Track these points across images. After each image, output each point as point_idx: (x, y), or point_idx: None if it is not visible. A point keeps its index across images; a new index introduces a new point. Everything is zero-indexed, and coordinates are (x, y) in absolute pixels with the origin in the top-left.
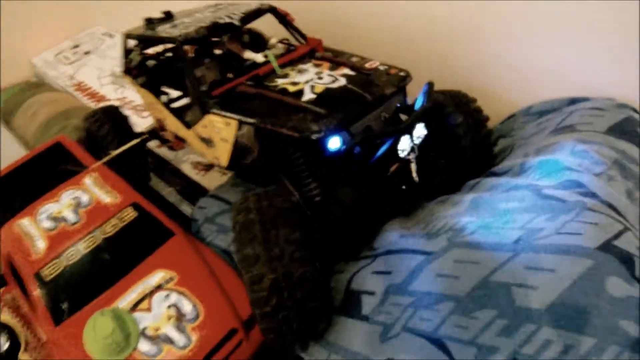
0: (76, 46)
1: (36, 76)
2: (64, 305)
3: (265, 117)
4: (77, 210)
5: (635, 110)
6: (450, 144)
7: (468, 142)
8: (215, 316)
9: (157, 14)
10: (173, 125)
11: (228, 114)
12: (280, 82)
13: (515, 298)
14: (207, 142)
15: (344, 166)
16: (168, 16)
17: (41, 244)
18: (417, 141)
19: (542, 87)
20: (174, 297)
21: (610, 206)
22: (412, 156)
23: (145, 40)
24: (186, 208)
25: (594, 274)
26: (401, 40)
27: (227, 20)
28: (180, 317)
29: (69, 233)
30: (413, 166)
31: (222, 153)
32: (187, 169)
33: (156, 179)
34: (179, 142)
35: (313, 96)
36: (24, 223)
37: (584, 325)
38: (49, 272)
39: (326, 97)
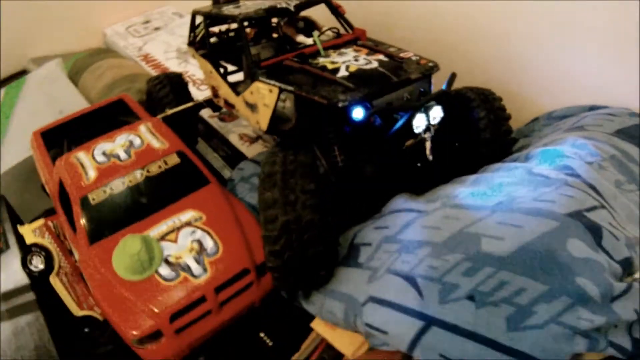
0: (147, 22)
1: (106, 45)
2: (101, 228)
3: (302, 86)
4: (129, 150)
5: None
6: (472, 135)
7: (488, 135)
8: (231, 255)
9: None
10: (225, 92)
11: (272, 82)
12: (321, 60)
13: (483, 246)
14: (252, 107)
15: (365, 135)
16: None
17: (92, 173)
18: (433, 121)
19: (569, 96)
20: (198, 234)
21: (591, 186)
22: (427, 135)
23: (210, 17)
24: (227, 172)
25: (557, 233)
26: (439, 42)
27: (284, 5)
28: (201, 250)
29: (118, 167)
30: (428, 144)
31: (263, 117)
32: (234, 139)
33: (203, 144)
34: (228, 108)
35: (346, 73)
36: (80, 155)
37: (539, 274)
38: (94, 197)
39: (357, 75)
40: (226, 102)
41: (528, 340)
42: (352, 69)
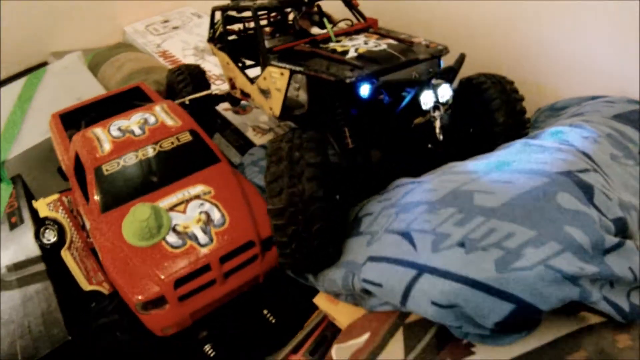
0: (166, 21)
1: (125, 42)
2: (113, 198)
3: (312, 67)
4: (143, 126)
5: None
6: (486, 119)
7: (501, 116)
8: (237, 227)
9: None
10: (241, 82)
11: (282, 65)
12: (332, 45)
13: (475, 200)
14: (265, 93)
15: (374, 115)
16: None
17: (107, 146)
18: (441, 99)
19: (581, 81)
20: (207, 206)
21: (584, 153)
22: (436, 113)
23: (228, 10)
24: (238, 160)
25: (547, 187)
26: (452, 32)
27: None
28: (208, 221)
29: (132, 142)
30: (437, 123)
31: (276, 102)
32: (248, 132)
33: (219, 136)
34: (244, 98)
35: (355, 54)
36: (97, 130)
37: (528, 222)
38: (108, 168)
39: (366, 56)
40: (242, 93)
41: (517, 282)
42: (361, 50)
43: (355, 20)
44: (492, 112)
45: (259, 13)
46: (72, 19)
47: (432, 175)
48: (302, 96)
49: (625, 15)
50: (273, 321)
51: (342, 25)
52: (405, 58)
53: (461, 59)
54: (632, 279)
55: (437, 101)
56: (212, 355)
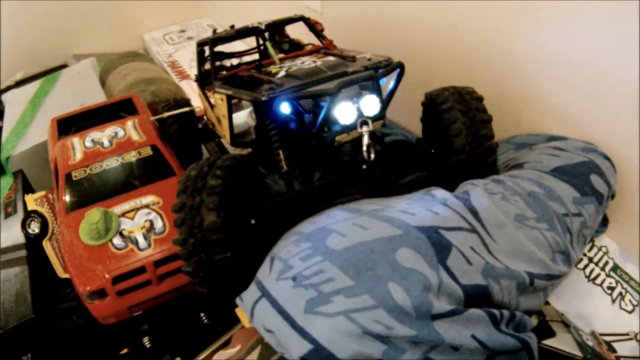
0: (183, 31)
1: (144, 48)
2: (77, 201)
3: (240, 90)
4: (112, 139)
5: (606, 157)
6: (445, 142)
7: (461, 142)
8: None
9: (258, 13)
10: (209, 113)
11: (222, 90)
12: (271, 68)
13: (327, 240)
14: (219, 120)
15: (297, 132)
16: (231, 27)
17: (79, 155)
18: (367, 113)
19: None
20: (152, 215)
21: (472, 210)
22: (364, 129)
23: (202, 45)
24: None
25: (393, 240)
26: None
27: (256, 24)
28: (150, 229)
29: (100, 153)
30: (365, 139)
31: (225, 128)
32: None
33: (203, 148)
34: (214, 129)
35: (284, 74)
36: (74, 140)
37: (353, 270)
38: (76, 175)
39: (292, 74)
40: (213, 125)
41: (317, 325)
42: (292, 69)
43: (319, 44)
44: (451, 137)
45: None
46: (94, 24)
47: (339, 208)
48: (252, 123)
49: (624, 19)
50: (206, 322)
51: (307, 49)
52: (332, 72)
53: (394, 66)
54: (477, 347)
55: (361, 115)
56: (148, 346)
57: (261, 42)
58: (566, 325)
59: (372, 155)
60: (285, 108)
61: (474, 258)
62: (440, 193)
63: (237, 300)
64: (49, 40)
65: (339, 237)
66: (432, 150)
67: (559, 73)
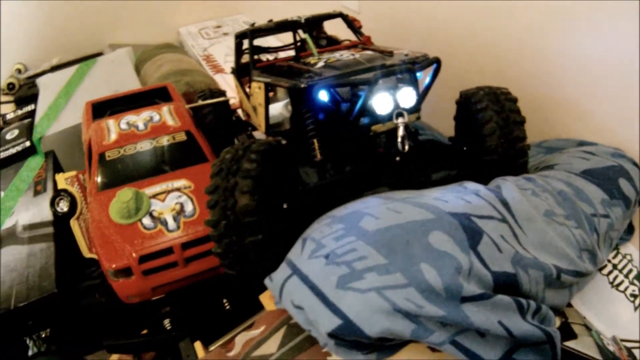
0: (218, 27)
1: (179, 42)
2: (109, 180)
3: (278, 78)
4: (147, 123)
5: (635, 164)
6: (478, 141)
7: (494, 142)
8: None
9: (294, 13)
10: (245, 104)
11: (259, 78)
12: (309, 59)
13: (361, 222)
14: (255, 110)
15: (335, 121)
16: (269, 21)
17: (113, 136)
18: (403, 104)
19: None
20: (183, 198)
21: (503, 202)
22: (399, 120)
23: (241, 37)
24: None
25: (426, 223)
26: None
27: (295, 19)
28: (180, 211)
29: (135, 135)
30: (400, 131)
31: (261, 117)
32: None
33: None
34: (249, 119)
35: (322, 64)
36: (109, 122)
37: (386, 250)
38: (110, 154)
39: (331, 65)
40: (247, 115)
41: (347, 300)
42: (330, 60)
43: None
44: (484, 137)
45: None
46: (132, 15)
47: (372, 196)
48: (287, 115)
49: None
50: (227, 308)
51: (345, 44)
52: (370, 64)
53: (431, 61)
54: (504, 334)
55: (397, 106)
56: (168, 328)
57: (298, 38)
58: (588, 328)
59: (407, 147)
60: (323, 96)
61: (504, 246)
62: (472, 185)
63: (266, 281)
64: (86, 28)
65: (372, 219)
66: (465, 149)
67: (594, 77)
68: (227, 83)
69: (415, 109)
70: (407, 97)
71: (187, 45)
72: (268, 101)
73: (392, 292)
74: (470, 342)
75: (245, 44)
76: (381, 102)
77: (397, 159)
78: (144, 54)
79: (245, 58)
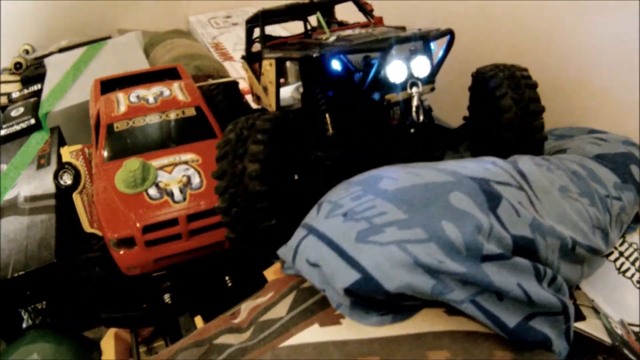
0: (228, 17)
1: (187, 30)
2: (116, 151)
3: (289, 52)
4: (157, 97)
5: None
6: (495, 118)
7: (511, 118)
8: (211, 193)
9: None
10: (255, 87)
11: (270, 54)
12: (321, 36)
13: (380, 183)
14: (265, 90)
15: (348, 93)
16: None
17: (123, 108)
18: (417, 73)
19: None
20: (190, 171)
21: (520, 172)
22: (414, 90)
23: (251, 21)
24: None
25: (446, 185)
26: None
27: (307, 1)
28: (187, 183)
29: (144, 108)
30: (414, 101)
31: (271, 96)
32: None
33: None
34: (259, 103)
35: (334, 38)
36: (119, 95)
37: (406, 206)
38: (119, 126)
39: (343, 38)
40: (258, 99)
41: (367, 253)
42: (342, 35)
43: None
44: (501, 113)
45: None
46: (143, 1)
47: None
48: (298, 95)
49: None
50: (229, 285)
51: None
52: (381, 36)
53: (444, 32)
54: (523, 298)
55: (411, 75)
56: (168, 302)
57: (309, 27)
58: (596, 311)
59: (421, 118)
60: (335, 65)
61: (522, 211)
62: (488, 157)
63: (280, 251)
64: (96, 12)
65: (391, 180)
66: (478, 130)
67: (617, 62)
68: (236, 71)
69: (430, 80)
70: (421, 66)
71: (196, 33)
72: (279, 77)
73: (413, 246)
74: (490, 304)
75: (256, 32)
76: (395, 70)
77: (412, 130)
78: (153, 38)
79: (256, 47)
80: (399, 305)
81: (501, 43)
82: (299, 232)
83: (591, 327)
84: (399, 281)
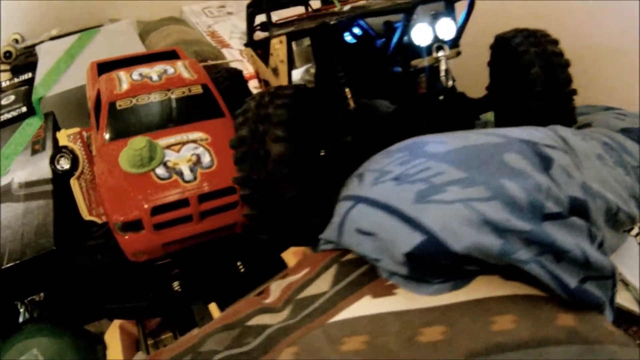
0: (222, 7)
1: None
2: (119, 130)
3: (299, 25)
4: (162, 75)
5: None
6: (521, 87)
7: (539, 86)
8: (222, 172)
9: None
10: (262, 70)
11: (280, 31)
12: (332, 9)
13: (426, 147)
14: (275, 72)
15: (369, 60)
16: None
17: (125, 86)
18: (442, 36)
19: None
20: (200, 150)
21: (562, 138)
22: (440, 54)
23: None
24: None
25: (499, 146)
26: None
27: None
28: (197, 162)
29: (148, 85)
30: (442, 65)
31: (283, 76)
32: None
33: None
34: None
35: (349, 7)
36: (120, 73)
37: (464, 166)
38: (121, 104)
39: (358, 7)
40: (265, 83)
41: (431, 213)
42: (358, 3)
43: None
44: (529, 82)
45: None
46: None
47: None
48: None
49: None
50: (242, 270)
51: None
52: (402, 2)
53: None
54: (581, 259)
55: (437, 38)
56: (178, 290)
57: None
58: (625, 283)
59: (450, 82)
60: (355, 32)
61: (572, 173)
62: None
63: (324, 233)
64: (87, 1)
65: (438, 144)
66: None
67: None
68: (234, 57)
69: (455, 43)
70: (446, 28)
71: (190, 22)
72: (291, 54)
73: (479, 204)
74: (551, 265)
75: (257, 20)
76: (420, 33)
77: (441, 97)
78: (148, 26)
79: (258, 35)
80: (456, 271)
81: None
82: (343, 205)
83: (623, 298)
84: (468, 240)
